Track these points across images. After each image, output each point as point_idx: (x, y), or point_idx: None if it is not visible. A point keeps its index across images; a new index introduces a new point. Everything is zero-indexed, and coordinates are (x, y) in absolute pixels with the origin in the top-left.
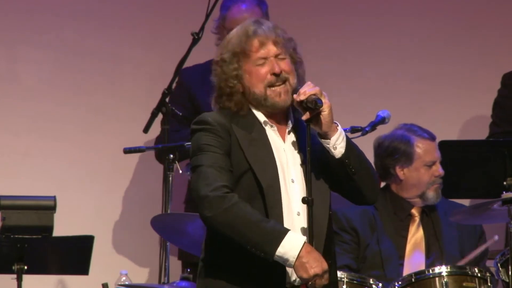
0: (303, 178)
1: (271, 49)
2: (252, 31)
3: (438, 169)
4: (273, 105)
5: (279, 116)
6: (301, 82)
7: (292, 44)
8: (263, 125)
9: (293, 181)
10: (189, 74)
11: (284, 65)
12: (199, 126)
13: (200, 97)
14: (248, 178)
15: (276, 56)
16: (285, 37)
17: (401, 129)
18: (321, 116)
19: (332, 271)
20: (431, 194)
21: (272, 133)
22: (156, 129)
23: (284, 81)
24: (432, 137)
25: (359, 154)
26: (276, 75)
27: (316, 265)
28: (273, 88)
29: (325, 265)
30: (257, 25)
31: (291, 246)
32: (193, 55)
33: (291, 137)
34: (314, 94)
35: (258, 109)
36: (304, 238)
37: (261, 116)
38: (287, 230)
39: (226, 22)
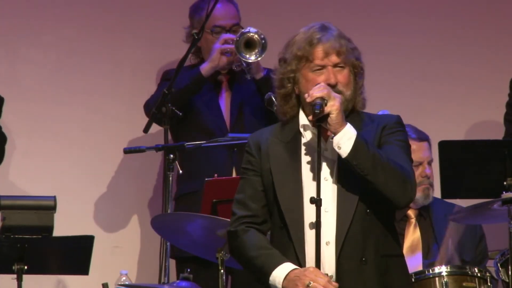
0: (337, 175)
1: (332, 58)
2: (317, 39)
3: (425, 170)
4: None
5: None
6: (358, 92)
7: (356, 53)
8: (303, 130)
9: (326, 179)
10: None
11: (341, 76)
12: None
13: None
14: (273, 190)
15: (335, 65)
16: (348, 47)
17: None
18: (329, 118)
19: (375, 267)
20: (418, 195)
21: (312, 135)
22: (156, 129)
23: (338, 93)
24: (420, 138)
25: (374, 155)
26: (332, 86)
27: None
28: None
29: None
30: (323, 32)
31: (277, 280)
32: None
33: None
34: (321, 97)
35: (307, 112)
36: (289, 269)
37: (303, 119)
38: (274, 266)
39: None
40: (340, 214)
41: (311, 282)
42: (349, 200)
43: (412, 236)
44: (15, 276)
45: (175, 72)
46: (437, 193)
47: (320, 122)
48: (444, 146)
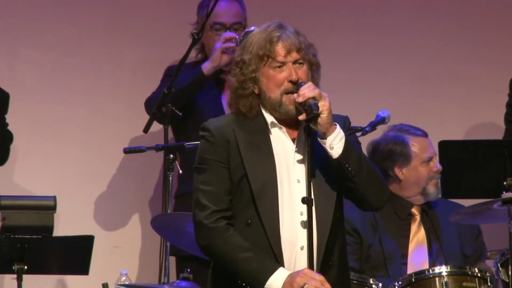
0: (310, 177)
1: (293, 55)
2: (277, 37)
3: (436, 164)
4: (287, 113)
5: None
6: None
7: (313, 50)
8: (270, 127)
9: (298, 181)
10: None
11: (301, 72)
12: (202, 133)
13: None
14: (247, 182)
15: (295, 62)
16: (306, 44)
17: (392, 131)
18: (319, 118)
19: (337, 272)
20: (431, 190)
21: (280, 134)
22: (156, 128)
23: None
24: (425, 134)
25: (360, 157)
26: (293, 82)
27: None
28: (288, 95)
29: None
30: (282, 30)
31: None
32: (193, 55)
33: (302, 137)
34: (312, 97)
35: (269, 111)
36: (286, 275)
37: (269, 117)
38: (270, 272)
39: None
40: (320, 218)
41: (306, 283)
42: (326, 203)
43: (417, 233)
44: (15, 276)
45: (176, 72)
46: None
47: (308, 122)
48: (444, 146)
